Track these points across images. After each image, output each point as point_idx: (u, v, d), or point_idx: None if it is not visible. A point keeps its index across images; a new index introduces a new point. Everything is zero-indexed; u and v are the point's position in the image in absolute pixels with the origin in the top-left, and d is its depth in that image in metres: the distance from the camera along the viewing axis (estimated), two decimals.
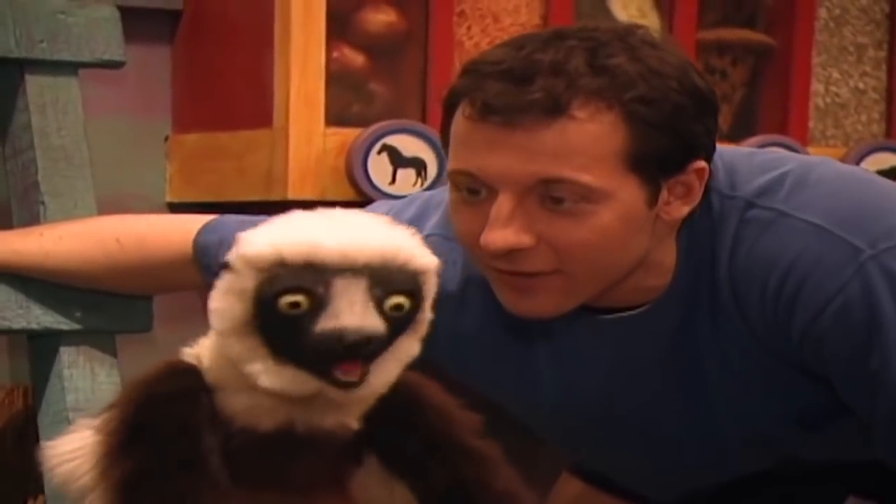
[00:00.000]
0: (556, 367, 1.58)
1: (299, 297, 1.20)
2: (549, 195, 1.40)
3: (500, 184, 1.41)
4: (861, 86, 2.43)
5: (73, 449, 1.27)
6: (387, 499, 1.32)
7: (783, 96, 2.37)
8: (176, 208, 2.21)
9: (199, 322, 2.34)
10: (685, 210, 1.46)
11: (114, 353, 1.79)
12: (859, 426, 1.49)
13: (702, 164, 1.44)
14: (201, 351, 1.29)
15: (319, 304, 1.19)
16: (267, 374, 1.22)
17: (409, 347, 1.27)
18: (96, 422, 1.28)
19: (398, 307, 1.22)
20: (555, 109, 1.38)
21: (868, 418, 1.46)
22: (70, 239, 1.75)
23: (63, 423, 1.72)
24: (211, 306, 1.24)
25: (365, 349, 1.20)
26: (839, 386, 1.48)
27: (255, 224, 1.67)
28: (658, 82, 1.40)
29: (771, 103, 2.37)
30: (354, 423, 1.28)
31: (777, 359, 1.50)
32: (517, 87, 1.39)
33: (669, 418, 1.57)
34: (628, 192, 1.41)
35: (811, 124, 2.40)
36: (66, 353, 1.76)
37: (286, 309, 1.20)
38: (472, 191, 1.44)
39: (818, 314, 1.44)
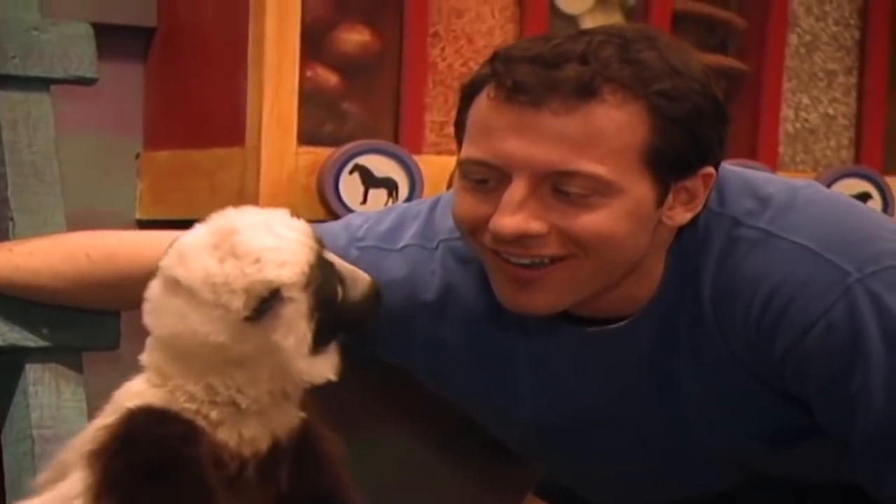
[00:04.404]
0: (536, 377, 1.59)
1: None
2: (561, 189, 1.42)
3: (516, 169, 1.41)
4: (831, 111, 2.45)
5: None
6: None
7: (754, 121, 2.38)
8: (145, 226, 2.21)
9: None
10: (688, 216, 1.47)
11: (80, 370, 1.79)
12: (828, 447, 1.51)
13: (710, 170, 1.46)
14: (170, 395, 1.35)
15: None
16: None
17: None
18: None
19: None
20: (585, 92, 1.40)
21: (843, 440, 1.47)
22: (40, 254, 1.75)
23: (27, 441, 1.72)
24: None
25: None
26: (817, 406, 1.49)
27: None
28: (682, 82, 1.42)
29: (742, 128, 2.38)
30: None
31: (754, 377, 1.51)
32: (547, 70, 1.40)
33: (643, 431, 1.57)
34: (640, 189, 1.42)
35: (781, 149, 2.41)
36: (32, 371, 1.75)
37: None
38: (481, 181, 1.44)
39: (803, 335, 1.45)
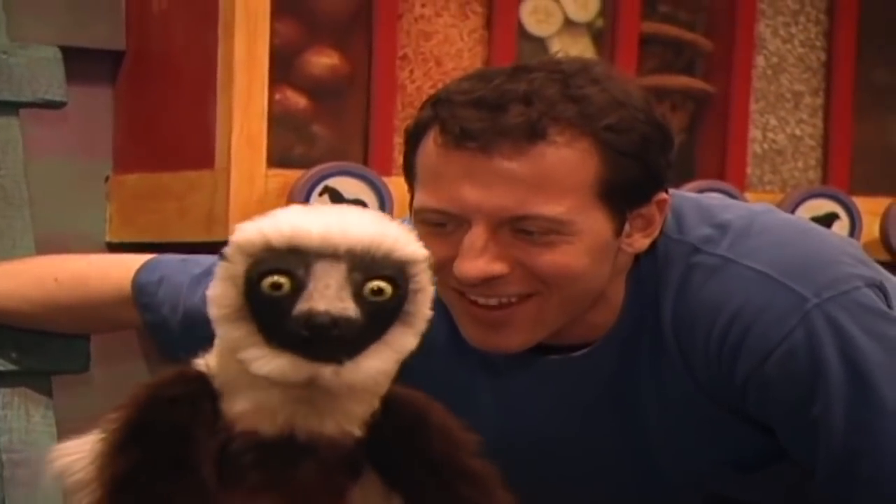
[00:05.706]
0: (498, 406, 1.59)
1: (281, 279, 1.22)
2: (520, 228, 1.42)
3: (473, 215, 1.42)
4: (798, 132, 2.47)
5: (75, 446, 1.28)
6: None
7: (721, 142, 2.39)
8: (115, 248, 2.21)
9: (136, 362, 2.34)
10: (646, 242, 1.47)
11: (49, 394, 1.78)
12: (795, 471, 1.51)
13: (664, 195, 1.47)
14: (210, 357, 1.30)
15: (300, 286, 1.22)
16: (260, 359, 1.24)
17: (403, 339, 1.27)
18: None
19: (378, 291, 1.23)
20: (533, 134, 1.40)
21: (808, 464, 1.48)
22: (8, 279, 1.75)
23: None
24: (209, 294, 1.26)
25: (334, 331, 1.21)
26: (780, 432, 1.49)
27: (194, 263, 1.69)
28: (627, 113, 1.42)
29: (709, 149, 2.40)
30: (356, 430, 1.28)
31: (717, 404, 1.51)
32: (492, 114, 1.40)
33: (607, 456, 1.58)
34: (597, 223, 1.43)
35: (749, 170, 2.42)
36: (1, 395, 1.75)
37: (269, 290, 1.22)
38: (439, 224, 1.45)
39: (763, 361, 1.45)
